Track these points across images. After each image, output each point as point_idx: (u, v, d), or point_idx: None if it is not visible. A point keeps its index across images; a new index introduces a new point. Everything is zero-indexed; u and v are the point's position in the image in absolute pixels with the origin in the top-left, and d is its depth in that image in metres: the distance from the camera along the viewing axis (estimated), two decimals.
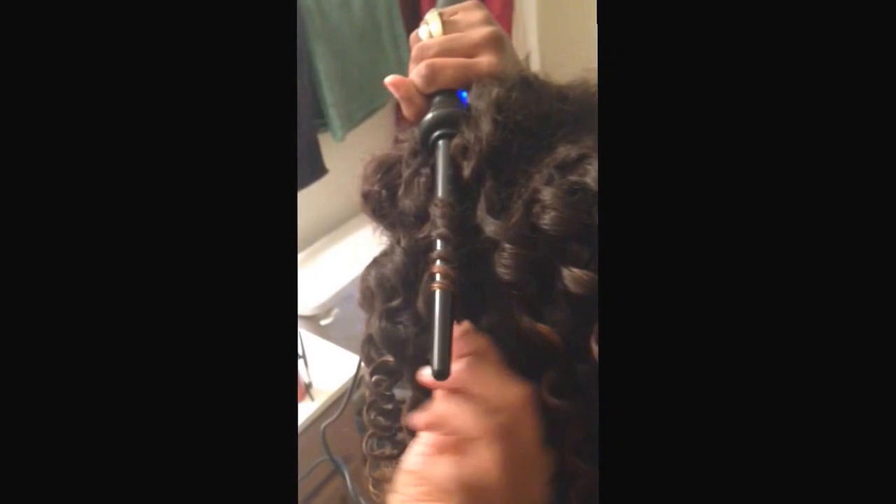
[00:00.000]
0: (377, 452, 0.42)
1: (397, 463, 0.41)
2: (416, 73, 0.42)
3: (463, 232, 0.35)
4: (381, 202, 0.40)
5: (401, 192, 0.39)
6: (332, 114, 1.63)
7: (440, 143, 0.38)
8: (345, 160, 1.69)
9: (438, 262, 0.34)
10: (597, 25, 0.27)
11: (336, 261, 1.70)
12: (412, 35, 0.46)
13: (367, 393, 0.42)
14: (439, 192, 0.36)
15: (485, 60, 0.42)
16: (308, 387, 1.33)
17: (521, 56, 0.46)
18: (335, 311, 1.57)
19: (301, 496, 1.29)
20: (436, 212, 0.35)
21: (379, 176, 0.40)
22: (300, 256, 1.72)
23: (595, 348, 0.31)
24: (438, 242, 0.35)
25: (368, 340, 0.40)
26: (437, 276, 0.34)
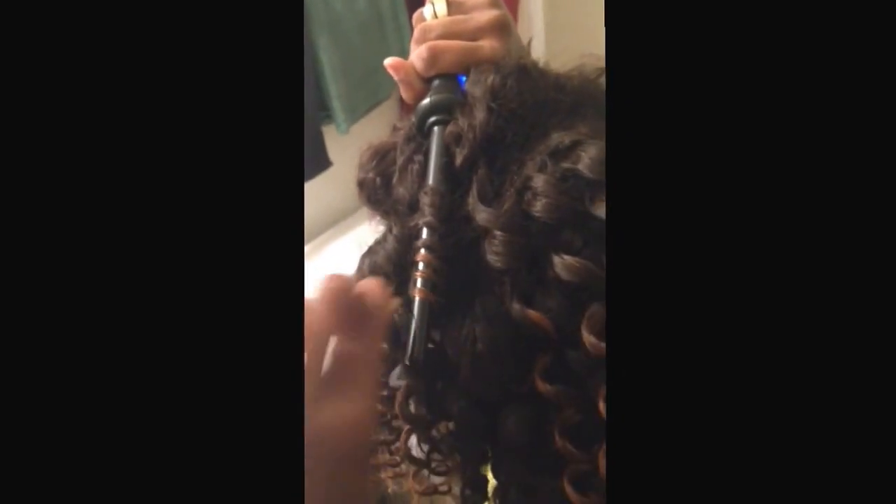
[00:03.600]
0: (372, 438, 0.42)
1: (392, 448, 0.42)
2: (416, 55, 0.42)
3: (455, 220, 0.35)
4: (375, 190, 0.40)
5: (395, 179, 0.39)
6: (336, 106, 1.63)
7: (434, 129, 0.38)
8: (349, 152, 1.66)
9: (423, 250, 0.34)
10: (604, 10, 0.27)
11: (340, 254, 1.70)
12: (415, 14, 0.45)
13: None
14: (430, 180, 0.36)
15: (487, 45, 0.41)
16: None
17: (525, 41, 0.45)
18: None
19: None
20: (424, 199, 0.35)
21: (374, 163, 0.40)
22: (305, 249, 1.72)
23: (586, 335, 0.31)
24: (424, 230, 0.35)
25: None
26: (421, 265, 0.34)
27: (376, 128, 1.79)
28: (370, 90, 1.72)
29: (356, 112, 1.69)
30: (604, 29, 0.27)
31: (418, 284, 0.33)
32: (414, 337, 0.33)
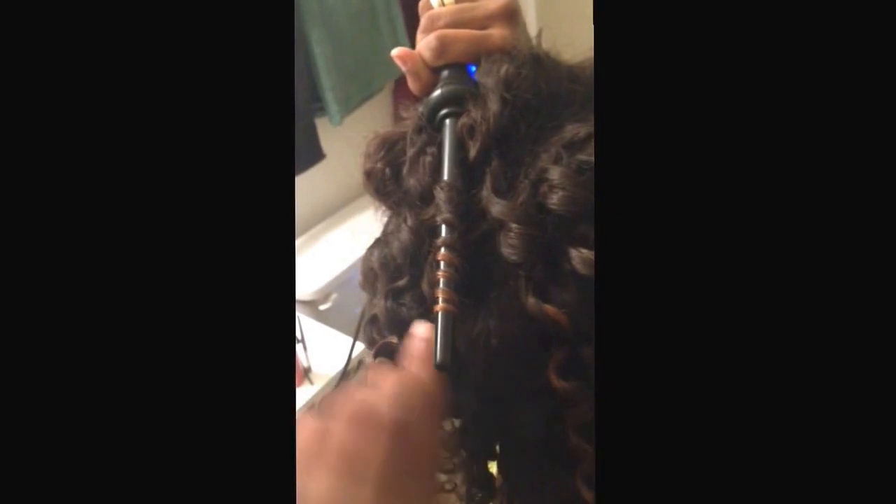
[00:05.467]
0: None
1: None
2: (424, 44, 0.40)
3: (470, 215, 0.34)
4: (384, 181, 0.39)
5: (405, 170, 0.38)
6: (329, 98, 1.62)
7: (447, 121, 0.37)
8: (342, 144, 1.68)
9: (443, 249, 0.33)
10: (593, 6, 0.27)
11: (334, 246, 1.69)
12: (422, 2, 0.44)
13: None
14: (445, 175, 0.35)
15: (497, 33, 0.40)
16: (307, 371, 1.34)
17: (533, 33, 0.44)
18: (334, 295, 1.57)
19: None
20: (441, 195, 0.35)
21: (382, 153, 0.39)
22: (298, 242, 1.72)
23: None
24: (443, 228, 0.34)
25: (371, 321, 0.39)
26: (442, 265, 0.33)
27: (370, 120, 1.79)
28: (363, 82, 1.71)
29: (349, 104, 1.68)
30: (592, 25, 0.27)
31: (441, 285, 0.33)
32: (442, 341, 0.32)
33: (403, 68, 0.41)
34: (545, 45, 0.40)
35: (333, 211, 1.82)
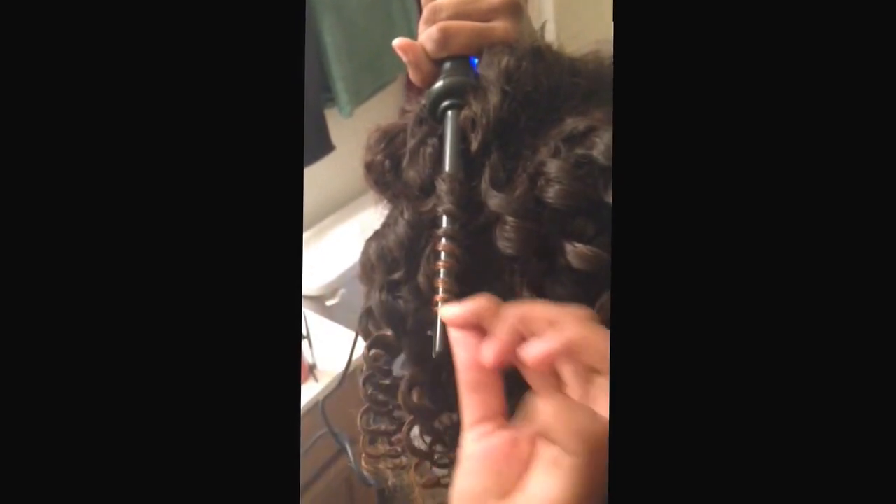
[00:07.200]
0: (373, 428, 0.42)
1: (393, 439, 0.41)
2: (427, 36, 0.41)
3: (470, 208, 0.35)
4: (384, 173, 0.39)
5: (405, 162, 0.38)
6: (340, 88, 1.62)
7: (449, 113, 0.37)
8: (353, 136, 1.66)
9: (444, 239, 0.33)
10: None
11: (343, 240, 1.69)
12: None
13: (364, 367, 0.41)
14: (446, 166, 0.35)
15: (500, 26, 0.40)
16: (312, 368, 1.33)
17: (538, 25, 0.44)
18: (341, 291, 1.57)
19: (305, 477, 1.30)
20: (442, 186, 0.35)
21: (383, 145, 0.39)
22: (305, 235, 1.72)
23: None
24: (444, 218, 0.34)
25: (367, 313, 0.40)
26: (443, 255, 0.33)
27: (381, 111, 1.78)
28: (375, 72, 1.71)
29: (361, 95, 1.68)
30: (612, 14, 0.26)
31: (441, 275, 0.33)
32: (441, 331, 0.32)
33: (405, 59, 0.41)
34: (560, 33, 0.40)
35: (342, 204, 1.82)
